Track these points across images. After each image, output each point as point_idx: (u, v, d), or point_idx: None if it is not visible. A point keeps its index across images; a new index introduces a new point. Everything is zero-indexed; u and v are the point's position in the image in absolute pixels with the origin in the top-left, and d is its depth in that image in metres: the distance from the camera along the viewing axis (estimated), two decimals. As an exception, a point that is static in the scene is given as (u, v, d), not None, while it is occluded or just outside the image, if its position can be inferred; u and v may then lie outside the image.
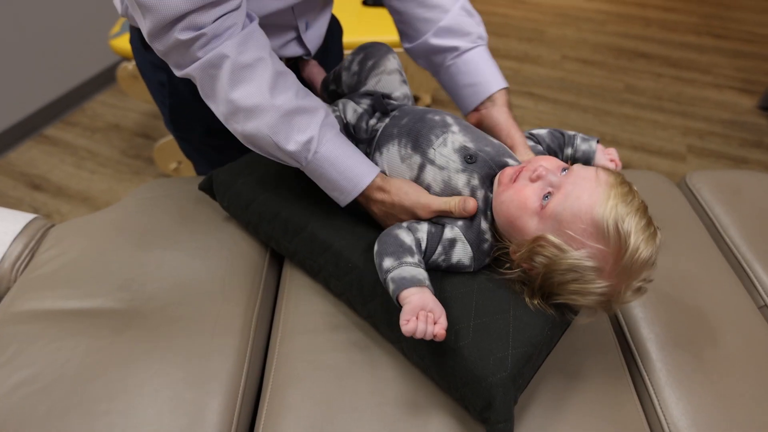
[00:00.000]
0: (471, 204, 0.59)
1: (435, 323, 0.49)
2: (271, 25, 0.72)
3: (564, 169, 0.57)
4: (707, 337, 0.69)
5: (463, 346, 0.56)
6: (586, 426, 0.60)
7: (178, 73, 0.61)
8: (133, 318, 0.70)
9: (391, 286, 0.53)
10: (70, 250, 0.80)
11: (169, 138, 1.87)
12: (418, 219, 0.62)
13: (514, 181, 0.58)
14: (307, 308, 0.73)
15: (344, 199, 0.66)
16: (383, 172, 0.67)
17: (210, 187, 0.83)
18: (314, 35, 0.82)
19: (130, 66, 1.69)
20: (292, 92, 0.61)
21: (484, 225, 0.61)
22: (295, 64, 0.86)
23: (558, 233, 0.53)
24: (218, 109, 0.62)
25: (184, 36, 0.55)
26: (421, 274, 0.55)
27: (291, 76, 0.63)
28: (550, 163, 0.58)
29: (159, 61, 0.72)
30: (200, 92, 0.63)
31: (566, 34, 2.82)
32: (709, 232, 0.85)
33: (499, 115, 0.73)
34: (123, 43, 1.68)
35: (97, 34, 2.24)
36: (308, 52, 0.82)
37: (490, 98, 0.75)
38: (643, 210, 0.53)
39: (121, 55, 1.71)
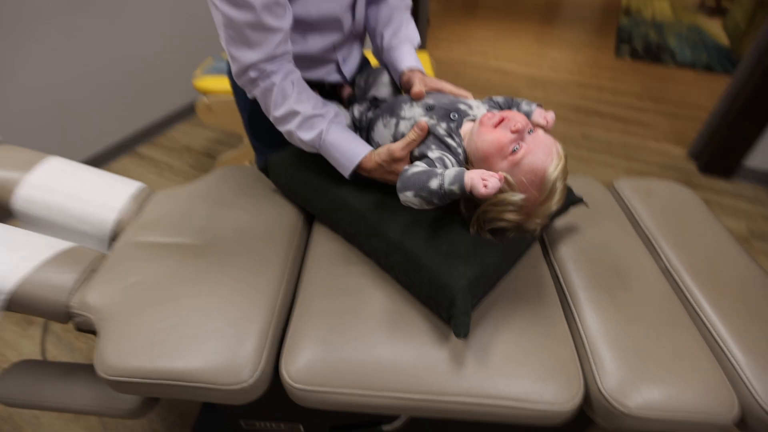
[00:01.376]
0: (421, 124, 0.65)
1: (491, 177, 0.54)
2: (318, 59, 0.83)
3: (530, 130, 0.61)
4: (620, 284, 0.76)
5: (434, 264, 0.65)
6: (527, 335, 0.67)
7: (249, 95, 0.75)
8: (205, 250, 0.79)
9: (454, 187, 0.56)
10: (165, 206, 0.92)
11: (226, 157, 2.01)
12: (401, 162, 0.68)
13: (495, 126, 0.61)
14: (328, 250, 0.82)
15: (346, 173, 0.75)
16: (378, 145, 0.74)
17: (265, 168, 0.93)
18: (350, 67, 0.91)
19: (206, 100, 1.83)
20: (310, 104, 0.72)
21: (453, 143, 0.65)
22: (334, 88, 0.95)
23: (512, 176, 0.59)
24: (270, 117, 0.76)
25: (254, 75, 0.69)
26: (455, 167, 0.62)
27: (311, 94, 0.75)
28: (524, 121, 0.60)
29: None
30: (261, 107, 0.76)
31: (535, 94, 2.92)
32: (627, 219, 0.93)
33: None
34: (203, 83, 1.83)
35: (184, 76, 2.43)
36: (345, 79, 0.91)
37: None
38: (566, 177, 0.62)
39: (200, 92, 1.85)
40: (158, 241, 0.82)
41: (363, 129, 0.79)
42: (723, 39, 3.94)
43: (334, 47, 0.83)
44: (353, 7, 0.80)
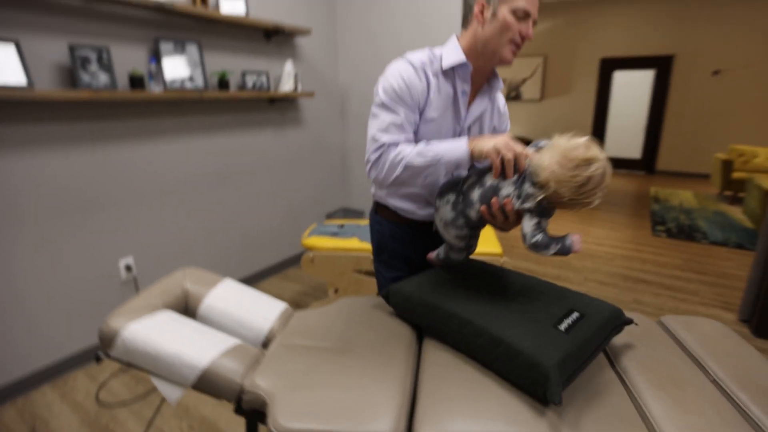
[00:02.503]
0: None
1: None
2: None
3: None
4: (677, 387, 0.95)
5: (531, 350, 0.90)
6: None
7: (375, 167, 1.12)
8: (343, 351, 1.04)
9: (560, 249, 0.92)
10: (306, 321, 1.23)
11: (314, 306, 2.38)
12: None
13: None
14: (439, 357, 1.08)
15: (462, 152, 1.03)
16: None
17: (386, 295, 1.25)
18: None
19: (311, 255, 2.30)
20: (410, 150, 1.08)
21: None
22: None
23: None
24: (388, 168, 1.09)
25: (382, 149, 1.09)
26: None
27: (414, 152, 1.08)
28: None
29: (376, 220, 1.30)
30: (382, 168, 1.10)
31: (585, 265, 3.22)
32: (674, 342, 1.14)
33: None
34: (309, 241, 2.33)
35: (295, 236, 3.04)
36: None
37: None
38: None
39: (306, 248, 2.33)
40: (305, 344, 1.09)
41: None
42: (747, 222, 4.26)
43: None
44: None
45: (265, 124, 2.88)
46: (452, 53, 1.12)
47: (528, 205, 0.96)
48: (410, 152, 1.07)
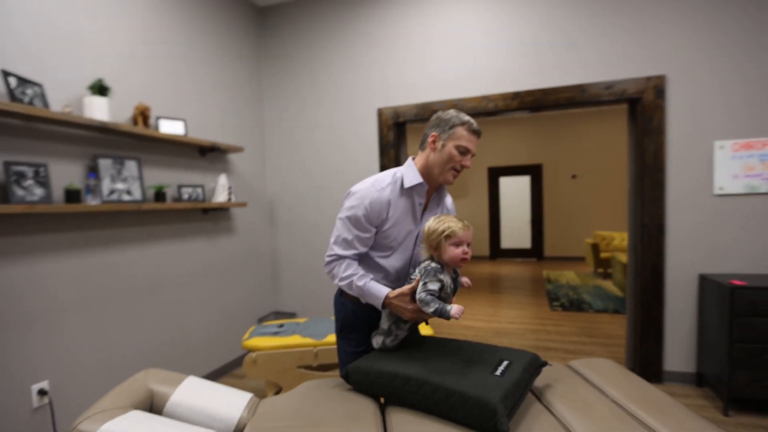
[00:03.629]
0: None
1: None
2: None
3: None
4: (588, 406, 1.22)
5: (480, 394, 1.12)
6: None
7: (330, 271, 1.42)
8: (317, 427, 1.12)
9: (440, 309, 1.20)
10: (273, 406, 1.29)
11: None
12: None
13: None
14: (402, 419, 1.24)
15: (379, 302, 1.34)
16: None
17: (346, 375, 1.35)
18: None
19: (253, 356, 2.31)
20: (362, 270, 1.39)
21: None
22: None
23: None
24: (339, 278, 1.39)
25: (340, 260, 1.39)
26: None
27: (361, 274, 1.38)
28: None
29: (340, 302, 1.51)
30: (335, 274, 1.40)
31: (503, 341, 3.54)
32: (581, 378, 1.44)
33: None
34: (251, 342, 2.35)
35: (230, 341, 3.01)
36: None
37: None
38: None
39: (248, 350, 2.34)
40: (277, 426, 1.15)
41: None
42: (618, 292, 5.11)
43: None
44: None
45: (199, 233, 2.96)
46: (411, 175, 1.40)
47: (417, 273, 1.31)
48: (349, 278, 1.38)
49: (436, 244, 1.28)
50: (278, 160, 3.63)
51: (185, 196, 2.79)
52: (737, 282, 2.20)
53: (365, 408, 1.25)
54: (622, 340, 3.45)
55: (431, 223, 1.31)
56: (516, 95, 2.87)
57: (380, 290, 1.35)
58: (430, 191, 1.47)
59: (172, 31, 2.78)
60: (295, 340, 2.37)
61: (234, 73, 3.32)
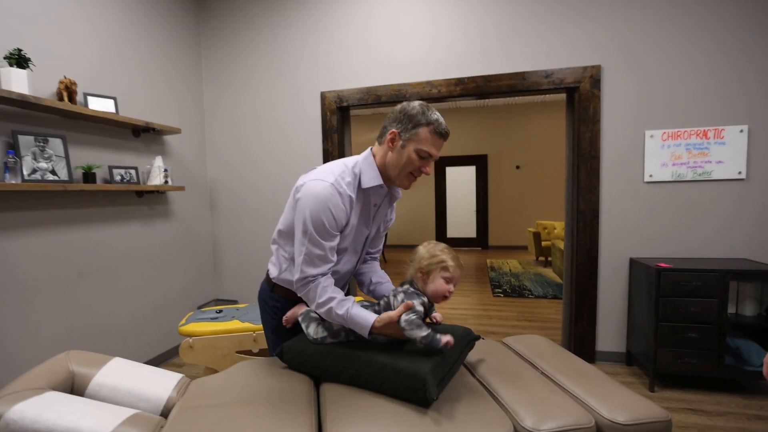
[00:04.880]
0: (407, 304, 1.16)
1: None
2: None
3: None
4: (518, 378, 1.22)
5: (410, 366, 1.08)
6: (478, 406, 1.07)
7: (301, 293, 1.21)
8: (250, 403, 1.09)
9: (431, 336, 1.08)
10: (204, 386, 1.22)
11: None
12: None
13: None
14: (335, 394, 1.18)
15: (365, 332, 1.15)
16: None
17: (280, 353, 1.31)
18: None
19: (190, 341, 2.17)
20: (341, 294, 1.20)
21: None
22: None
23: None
24: (315, 303, 1.19)
25: (311, 280, 1.19)
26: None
27: (339, 290, 1.22)
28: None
29: (274, 298, 1.38)
30: (307, 298, 1.21)
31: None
32: (514, 353, 1.44)
33: None
34: (187, 327, 2.22)
35: (168, 330, 2.82)
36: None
37: None
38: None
39: (185, 335, 2.21)
40: (208, 404, 1.10)
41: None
42: (557, 279, 5.34)
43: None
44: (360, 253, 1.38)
45: (134, 217, 2.74)
46: (370, 174, 1.22)
47: (402, 296, 1.19)
48: (326, 304, 1.18)
49: (428, 270, 1.18)
50: (219, 143, 3.44)
51: (117, 178, 2.56)
52: (663, 264, 2.33)
53: (299, 385, 1.22)
54: (559, 324, 3.60)
55: (431, 247, 1.20)
56: (459, 81, 2.87)
57: (365, 318, 1.16)
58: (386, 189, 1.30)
59: (101, 4, 2.55)
60: (234, 324, 2.26)
61: (171, 53, 3.10)
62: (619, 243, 2.68)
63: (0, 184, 1.88)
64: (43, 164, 2.15)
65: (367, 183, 1.22)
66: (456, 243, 8.65)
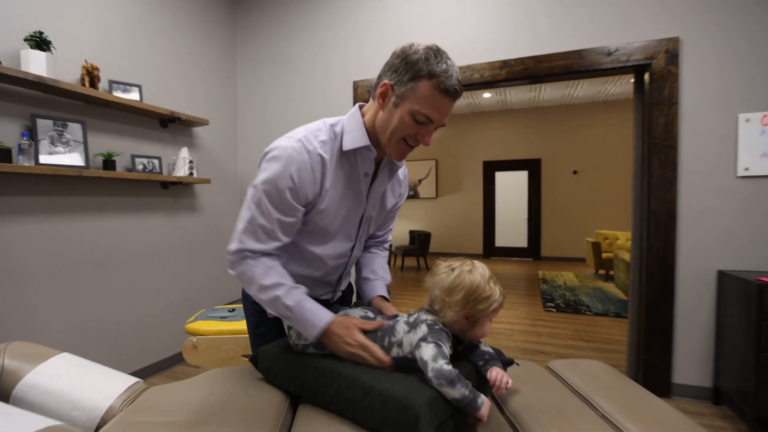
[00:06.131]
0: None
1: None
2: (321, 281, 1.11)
3: None
4: (566, 423, 0.86)
5: (400, 393, 0.77)
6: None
7: (234, 270, 0.95)
8: (198, 425, 0.84)
9: (470, 398, 0.76)
10: (157, 396, 0.97)
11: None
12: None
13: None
14: (309, 423, 0.89)
15: (314, 331, 0.90)
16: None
17: (254, 359, 1.05)
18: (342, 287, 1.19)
19: (194, 340, 1.98)
20: (291, 280, 0.95)
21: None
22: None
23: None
24: (255, 287, 0.94)
25: (249, 255, 0.93)
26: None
27: (287, 274, 0.96)
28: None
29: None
30: (245, 280, 0.95)
31: (487, 341, 3.22)
32: (561, 383, 1.08)
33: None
34: (193, 325, 2.04)
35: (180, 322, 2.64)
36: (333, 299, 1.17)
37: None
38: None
39: (190, 334, 2.03)
40: (149, 421, 0.85)
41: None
42: (621, 295, 4.72)
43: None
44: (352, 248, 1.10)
45: (158, 208, 2.65)
46: (354, 133, 0.95)
47: (422, 329, 0.85)
48: (270, 290, 0.93)
49: (477, 318, 0.85)
50: (251, 137, 3.34)
51: (139, 167, 2.48)
52: (766, 279, 1.83)
53: (270, 404, 0.94)
54: (624, 346, 3.07)
55: (475, 279, 0.84)
56: (505, 64, 2.52)
57: (319, 316, 0.92)
58: (380, 157, 1.02)
59: None
60: (244, 325, 2.05)
61: (204, 45, 3.03)
62: (704, 251, 2.18)
63: (12, 166, 1.81)
64: (60, 149, 2.08)
65: (348, 144, 0.94)
66: (505, 253, 8.10)
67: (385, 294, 1.10)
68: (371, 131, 0.96)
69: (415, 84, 0.86)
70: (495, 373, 0.85)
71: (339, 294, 1.19)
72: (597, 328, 3.54)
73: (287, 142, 0.91)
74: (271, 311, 0.96)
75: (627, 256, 4.28)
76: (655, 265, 2.24)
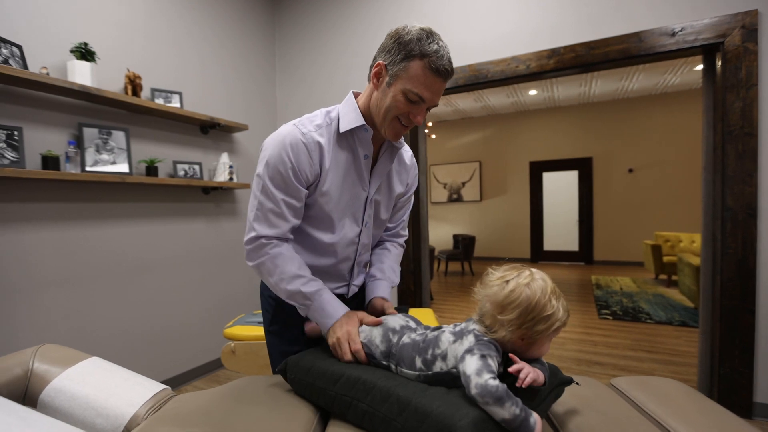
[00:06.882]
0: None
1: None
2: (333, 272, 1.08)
3: None
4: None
5: (441, 411, 0.66)
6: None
7: (253, 261, 0.97)
8: None
9: (522, 418, 0.64)
10: (185, 405, 0.92)
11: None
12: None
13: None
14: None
15: (331, 321, 0.94)
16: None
17: (283, 370, 0.99)
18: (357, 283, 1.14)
19: (232, 345, 1.96)
20: (309, 271, 0.98)
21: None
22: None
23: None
24: (274, 278, 0.96)
25: (266, 242, 0.96)
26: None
27: (309, 277, 0.97)
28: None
29: (270, 292, 1.09)
30: (264, 269, 0.97)
31: (536, 350, 3.02)
32: (626, 402, 0.93)
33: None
34: (232, 330, 2.00)
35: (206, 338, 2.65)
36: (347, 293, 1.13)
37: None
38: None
39: (228, 339, 2.00)
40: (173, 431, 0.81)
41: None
42: (686, 302, 4.30)
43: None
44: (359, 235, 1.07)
45: (199, 213, 2.70)
46: (349, 115, 0.98)
47: (469, 339, 0.76)
48: (292, 280, 0.96)
49: (532, 330, 0.72)
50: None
51: (180, 173, 2.52)
52: None
53: (297, 420, 0.86)
54: (693, 359, 2.77)
55: (531, 288, 0.72)
56: (553, 53, 2.35)
57: (337, 309, 0.97)
58: (379, 139, 1.04)
59: (177, 3, 2.57)
60: (282, 331, 2.00)
61: (244, 51, 3.07)
62: (791, 252, 1.90)
63: (60, 173, 1.87)
64: (105, 156, 2.14)
65: (345, 125, 0.97)
66: (555, 257, 7.71)
67: (386, 295, 1.10)
68: (366, 113, 0.99)
69: (407, 63, 0.88)
70: (519, 365, 0.71)
71: (354, 289, 1.15)
72: (660, 338, 3.23)
73: (283, 128, 0.97)
74: (289, 301, 0.98)
75: (694, 260, 3.90)
76: (732, 268, 1.98)
